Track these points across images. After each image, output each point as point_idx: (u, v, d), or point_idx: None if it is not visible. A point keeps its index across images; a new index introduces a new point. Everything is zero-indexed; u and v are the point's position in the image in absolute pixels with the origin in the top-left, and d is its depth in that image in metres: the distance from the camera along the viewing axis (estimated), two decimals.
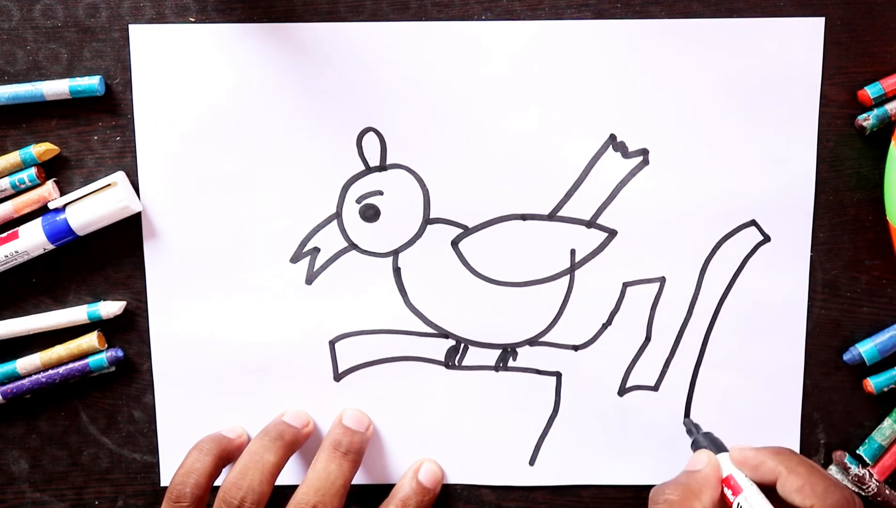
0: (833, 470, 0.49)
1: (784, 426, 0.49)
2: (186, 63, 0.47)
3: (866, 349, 0.47)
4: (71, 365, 0.48)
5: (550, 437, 0.49)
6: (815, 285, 0.48)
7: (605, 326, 0.48)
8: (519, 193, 0.48)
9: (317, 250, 0.48)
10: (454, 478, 0.49)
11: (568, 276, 0.48)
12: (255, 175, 0.47)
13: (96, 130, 0.47)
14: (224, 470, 0.47)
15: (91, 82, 0.46)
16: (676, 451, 0.49)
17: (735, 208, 0.47)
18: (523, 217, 0.48)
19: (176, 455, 0.49)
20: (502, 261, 0.48)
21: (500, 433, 0.49)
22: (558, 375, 0.49)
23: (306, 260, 0.48)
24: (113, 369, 0.49)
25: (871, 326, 0.48)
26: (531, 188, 0.47)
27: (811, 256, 0.48)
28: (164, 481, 0.49)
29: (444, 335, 0.49)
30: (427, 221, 0.48)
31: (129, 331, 0.49)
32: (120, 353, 0.48)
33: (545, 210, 0.48)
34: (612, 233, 0.48)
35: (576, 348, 0.49)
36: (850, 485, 0.48)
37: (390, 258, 0.48)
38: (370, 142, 0.47)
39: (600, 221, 0.48)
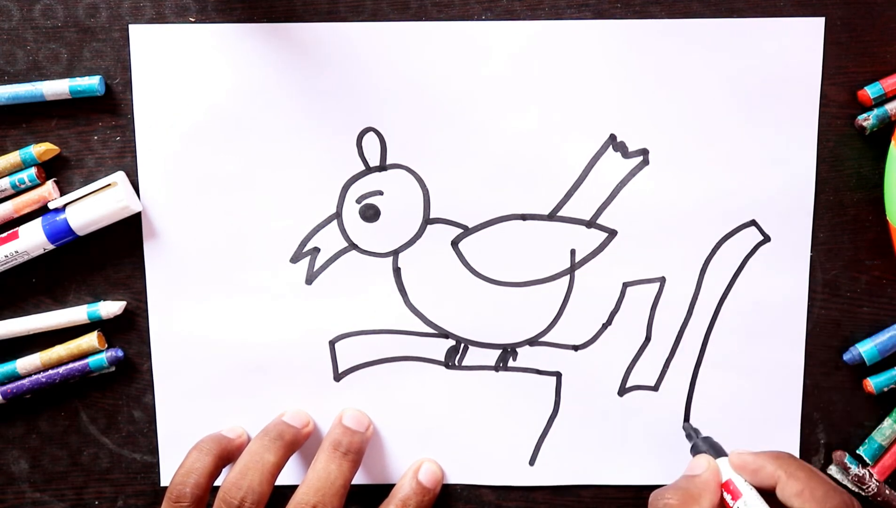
0: (833, 470, 0.49)
1: (784, 426, 0.49)
2: (186, 63, 0.47)
3: (866, 349, 0.47)
4: (71, 365, 0.48)
5: (550, 437, 0.49)
6: (815, 285, 0.48)
7: (605, 326, 0.48)
8: (519, 193, 0.48)
9: (317, 250, 0.48)
10: (454, 478, 0.49)
11: (568, 276, 0.48)
12: (255, 175, 0.47)
13: (96, 130, 0.47)
14: (224, 470, 0.47)
15: (91, 82, 0.46)
16: (676, 451, 0.49)
17: (735, 208, 0.47)
18: (523, 217, 0.48)
19: (176, 455, 0.49)
20: (502, 261, 0.48)
21: (500, 433, 0.49)
22: (558, 375, 0.49)
23: (306, 260, 0.48)
24: (113, 369, 0.49)
25: (871, 326, 0.48)
26: (531, 188, 0.47)
27: (811, 256, 0.48)
28: (164, 481, 0.49)
29: (444, 335, 0.49)
30: (427, 221, 0.48)
31: (129, 331, 0.49)
32: (120, 353, 0.48)
33: (545, 210, 0.48)
34: (612, 233, 0.48)
35: (576, 348, 0.49)
36: (850, 485, 0.48)
37: (390, 258, 0.48)
38: (370, 142, 0.47)
39: (600, 221, 0.48)
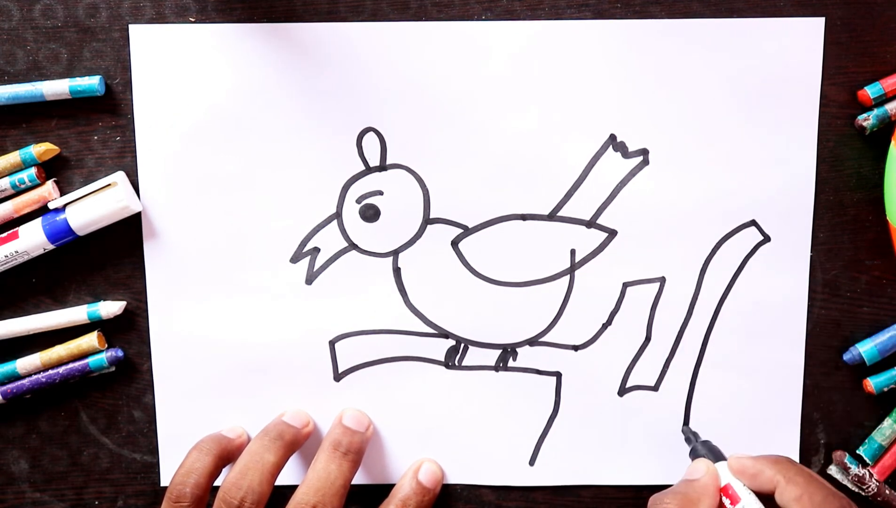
0: (833, 470, 0.49)
1: (784, 426, 0.49)
2: (186, 63, 0.47)
3: (866, 349, 0.47)
4: (71, 365, 0.48)
5: (550, 437, 0.49)
6: (815, 285, 0.48)
7: (605, 326, 0.48)
8: (519, 193, 0.48)
9: (317, 250, 0.48)
10: (454, 478, 0.49)
11: (568, 276, 0.48)
12: (255, 175, 0.47)
13: (96, 130, 0.47)
14: (224, 470, 0.47)
15: (91, 82, 0.46)
16: (676, 451, 0.49)
17: (735, 208, 0.47)
18: (523, 217, 0.48)
19: (176, 455, 0.49)
20: (502, 261, 0.48)
21: (500, 433, 0.49)
22: (558, 375, 0.49)
23: (306, 260, 0.48)
24: (113, 369, 0.49)
25: (871, 326, 0.48)
26: (531, 188, 0.47)
27: (811, 256, 0.48)
28: (164, 481, 0.49)
29: (444, 335, 0.49)
30: (427, 221, 0.48)
31: (129, 331, 0.49)
32: (120, 353, 0.48)
33: (545, 210, 0.48)
34: (612, 233, 0.48)
35: (576, 348, 0.49)
36: (850, 485, 0.48)
37: (390, 258, 0.48)
38: (370, 142, 0.47)
39: (600, 221, 0.48)
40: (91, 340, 0.48)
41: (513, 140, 0.47)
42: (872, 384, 0.48)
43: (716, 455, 0.45)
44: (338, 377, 0.49)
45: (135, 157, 0.47)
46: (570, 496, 0.50)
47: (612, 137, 0.47)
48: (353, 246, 0.48)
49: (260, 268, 0.48)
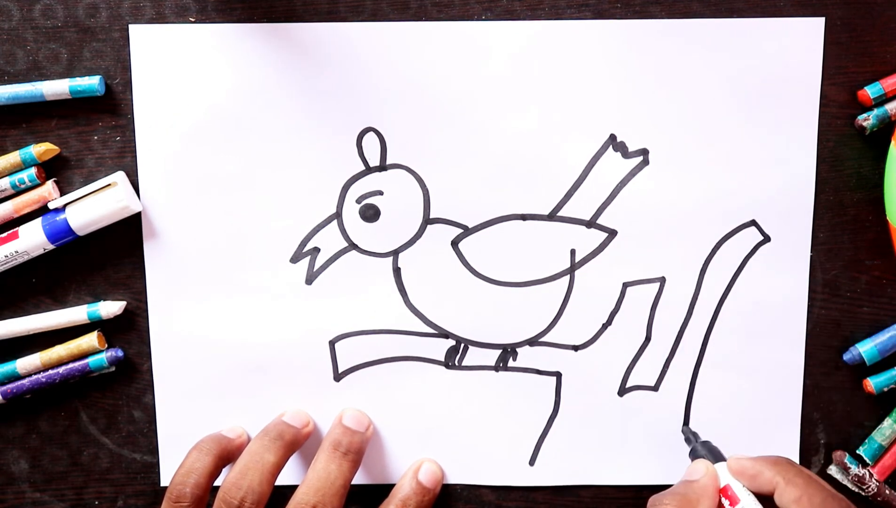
0: (833, 470, 0.49)
1: (784, 426, 0.49)
2: (186, 63, 0.47)
3: (866, 349, 0.47)
4: (71, 365, 0.48)
5: (550, 437, 0.49)
6: (815, 285, 0.48)
7: (605, 326, 0.48)
8: (519, 193, 0.48)
9: (317, 250, 0.48)
10: (454, 478, 0.49)
11: (568, 276, 0.48)
12: (255, 175, 0.47)
13: (96, 130, 0.47)
14: (224, 470, 0.47)
15: (91, 82, 0.46)
16: (676, 451, 0.49)
17: (735, 208, 0.47)
18: (523, 217, 0.48)
19: (176, 455, 0.49)
20: (502, 261, 0.48)
21: (500, 433, 0.49)
22: (558, 375, 0.49)
23: (306, 260, 0.48)
24: (113, 369, 0.49)
25: (871, 326, 0.48)
26: (531, 188, 0.47)
27: (811, 256, 0.48)
28: (164, 481, 0.49)
29: (444, 335, 0.49)
30: (427, 221, 0.48)
31: (129, 331, 0.49)
32: (120, 353, 0.48)
33: (545, 210, 0.48)
34: (612, 233, 0.48)
35: (576, 348, 0.49)
36: (850, 485, 0.48)
37: (390, 258, 0.48)
38: (370, 142, 0.47)
39: (600, 221, 0.48)
40: (91, 340, 0.48)
41: (513, 140, 0.47)
42: (872, 384, 0.48)
43: (715, 456, 0.45)
44: (338, 377, 0.49)
45: (135, 157, 0.47)
46: (570, 496, 0.50)
47: (612, 137, 0.47)
48: (353, 246, 0.48)
49: (260, 268, 0.48)
